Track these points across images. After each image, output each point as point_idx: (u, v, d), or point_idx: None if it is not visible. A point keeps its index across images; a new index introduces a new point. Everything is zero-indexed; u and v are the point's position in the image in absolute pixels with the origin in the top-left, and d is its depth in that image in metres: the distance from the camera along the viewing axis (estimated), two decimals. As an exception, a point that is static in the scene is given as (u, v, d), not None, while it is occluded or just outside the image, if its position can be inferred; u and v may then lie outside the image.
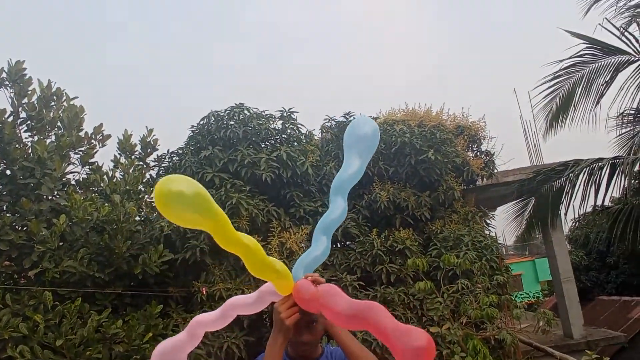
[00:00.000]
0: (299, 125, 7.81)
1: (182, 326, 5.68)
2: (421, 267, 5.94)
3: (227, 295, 5.89)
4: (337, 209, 1.76)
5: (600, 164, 7.58)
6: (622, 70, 7.80)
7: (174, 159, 7.70)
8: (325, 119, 8.77)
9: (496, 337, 5.57)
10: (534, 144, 14.33)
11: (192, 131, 7.74)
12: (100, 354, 4.80)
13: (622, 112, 8.31)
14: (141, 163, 7.19)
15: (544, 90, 8.57)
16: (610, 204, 8.90)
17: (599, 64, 8.03)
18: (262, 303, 1.70)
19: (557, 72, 8.44)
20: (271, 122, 7.60)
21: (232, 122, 7.33)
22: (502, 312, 6.15)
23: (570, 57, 8.20)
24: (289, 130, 7.69)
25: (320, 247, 1.72)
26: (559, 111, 8.66)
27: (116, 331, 4.88)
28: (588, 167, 7.68)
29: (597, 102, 8.19)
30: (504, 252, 33.29)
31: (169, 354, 1.62)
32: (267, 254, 4.92)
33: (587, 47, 8.09)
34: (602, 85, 8.10)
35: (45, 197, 5.73)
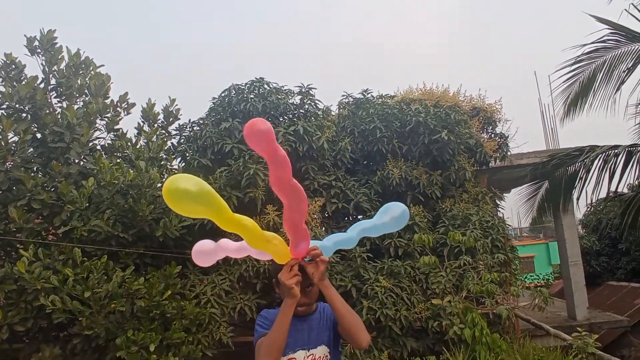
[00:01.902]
0: (316, 101, 8.00)
1: (198, 286, 6.06)
2: (427, 243, 6.18)
3: (241, 260, 6.23)
4: (349, 236, 2.15)
5: (616, 151, 7.58)
6: (645, 57, 7.72)
7: (194, 128, 7.96)
8: (343, 96, 8.94)
9: (494, 312, 5.83)
10: (551, 129, 14.31)
11: (213, 103, 7.98)
12: (123, 307, 5.19)
13: (643, 100, 8.23)
14: (164, 131, 7.45)
15: (564, 75, 8.54)
16: (626, 191, 8.90)
17: (622, 50, 7.94)
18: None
19: (579, 56, 8.38)
20: (290, 97, 7.80)
21: (252, 96, 7.56)
22: (504, 289, 6.38)
23: (592, 42, 8.12)
24: (306, 106, 7.89)
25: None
26: (578, 96, 8.60)
27: (138, 287, 5.24)
28: (604, 154, 7.67)
29: (618, 89, 8.12)
30: (519, 234, 33.41)
31: (203, 253, 2.10)
32: (281, 223, 5.33)
33: (610, 33, 8.00)
34: (624, 72, 8.02)
35: (73, 160, 6.06)
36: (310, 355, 2.07)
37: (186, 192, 1.49)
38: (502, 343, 5.35)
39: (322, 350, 2.09)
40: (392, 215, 2.08)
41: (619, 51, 7.95)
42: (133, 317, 5.42)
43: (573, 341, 4.70)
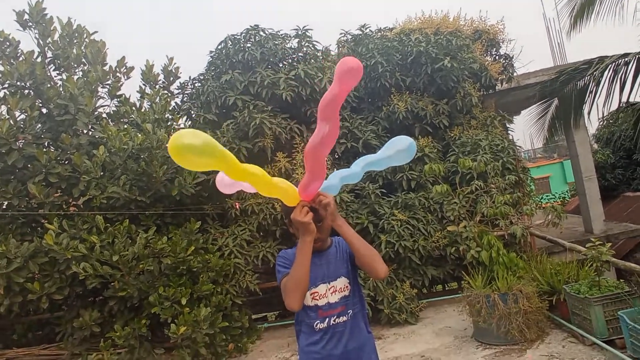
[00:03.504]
0: (314, 43, 7.85)
1: (220, 240, 6.25)
2: (438, 172, 6.23)
3: (258, 209, 6.37)
4: (353, 172, 2.22)
5: (626, 59, 7.39)
6: (653, -45, 7.36)
7: (196, 85, 7.92)
8: (341, 34, 8.77)
9: (509, 232, 5.94)
10: (558, 44, 13.91)
11: (211, 56, 7.89)
12: (151, 266, 5.40)
13: (653, 3, 7.92)
14: (166, 92, 7.44)
15: (568, -16, 8.23)
16: (638, 101, 8.74)
17: (630, -48, 7.58)
18: None
19: (582, -38, 8.04)
20: (287, 42, 7.67)
21: (249, 45, 7.45)
22: (517, 210, 6.46)
23: (597, -55, 7.77)
24: (305, 49, 7.75)
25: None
26: (584, 6, 8.33)
27: (162, 246, 5.42)
28: (613, 64, 7.49)
29: (626, -6, 7.83)
30: (533, 156, 33.28)
31: (224, 182, 2.23)
32: (292, 169, 5.48)
33: None
34: (631, -26, 7.70)
35: (81, 131, 6.13)
36: (331, 287, 2.19)
37: (191, 146, 1.52)
38: (519, 261, 5.49)
39: (342, 282, 2.22)
40: (398, 149, 2.10)
41: (626, -47, 7.58)
42: (162, 275, 5.64)
43: (587, 251, 4.81)
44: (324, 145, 1.86)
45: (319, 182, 2.03)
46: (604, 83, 7.66)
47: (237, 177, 1.80)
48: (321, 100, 1.78)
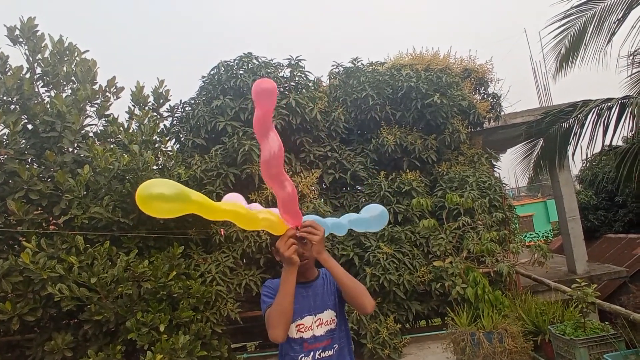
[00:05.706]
0: (306, 73, 7.92)
1: (202, 266, 6.11)
2: (425, 207, 6.23)
3: (243, 236, 6.27)
4: (342, 224, 2.25)
5: (609, 104, 7.56)
6: (635, 7, 7.65)
7: (186, 109, 7.91)
8: (333, 65, 8.87)
9: (495, 270, 5.92)
10: (544, 86, 14.26)
11: (203, 81, 7.91)
12: (130, 290, 5.24)
13: (634, 52, 8.20)
14: (155, 114, 7.38)
15: (554, 30, 8.48)
16: (620, 144, 8.92)
17: (612, 0, 7.86)
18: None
19: (568, 10, 8.31)
20: (279, 71, 7.73)
21: (241, 72, 7.49)
22: (503, 248, 6.46)
23: (581, -6, 8.03)
24: (297, 78, 7.81)
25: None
26: (570, 51, 8.53)
27: (143, 270, 5.27)
28: (597, 108, 7.67)
29: (609, 41, 8.06)
30: (517, 194, 33.67)
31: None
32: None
33: (600, -17, 7.89)
34: (614, 23, 7.95)
35: (67, 149, 6.02)
36: (317, 319, 2.13)
37: (161, 195, 1.44)
38: (504, 299, 5.45)
39: (328, 314, 2.15)
40: (371, 215, 2.19)
41: (609, 2, 7.85)
42: (141, 299, 5.48)
43: (572, 292, 4.80)
44: (274, 159, 1.86)
45: (293, 201, 1.97)
46: (588, 126, 7.81)
47: (215, 217, 1.72)
48: (254, 124, 1.84)
